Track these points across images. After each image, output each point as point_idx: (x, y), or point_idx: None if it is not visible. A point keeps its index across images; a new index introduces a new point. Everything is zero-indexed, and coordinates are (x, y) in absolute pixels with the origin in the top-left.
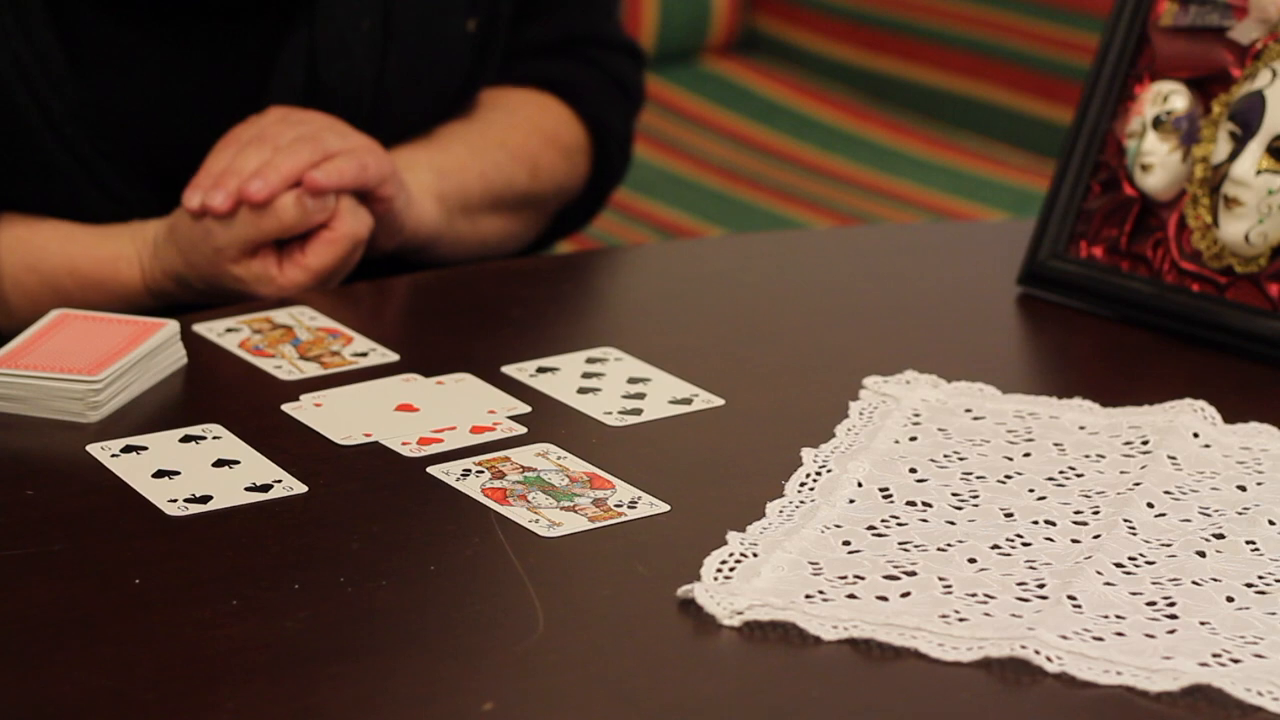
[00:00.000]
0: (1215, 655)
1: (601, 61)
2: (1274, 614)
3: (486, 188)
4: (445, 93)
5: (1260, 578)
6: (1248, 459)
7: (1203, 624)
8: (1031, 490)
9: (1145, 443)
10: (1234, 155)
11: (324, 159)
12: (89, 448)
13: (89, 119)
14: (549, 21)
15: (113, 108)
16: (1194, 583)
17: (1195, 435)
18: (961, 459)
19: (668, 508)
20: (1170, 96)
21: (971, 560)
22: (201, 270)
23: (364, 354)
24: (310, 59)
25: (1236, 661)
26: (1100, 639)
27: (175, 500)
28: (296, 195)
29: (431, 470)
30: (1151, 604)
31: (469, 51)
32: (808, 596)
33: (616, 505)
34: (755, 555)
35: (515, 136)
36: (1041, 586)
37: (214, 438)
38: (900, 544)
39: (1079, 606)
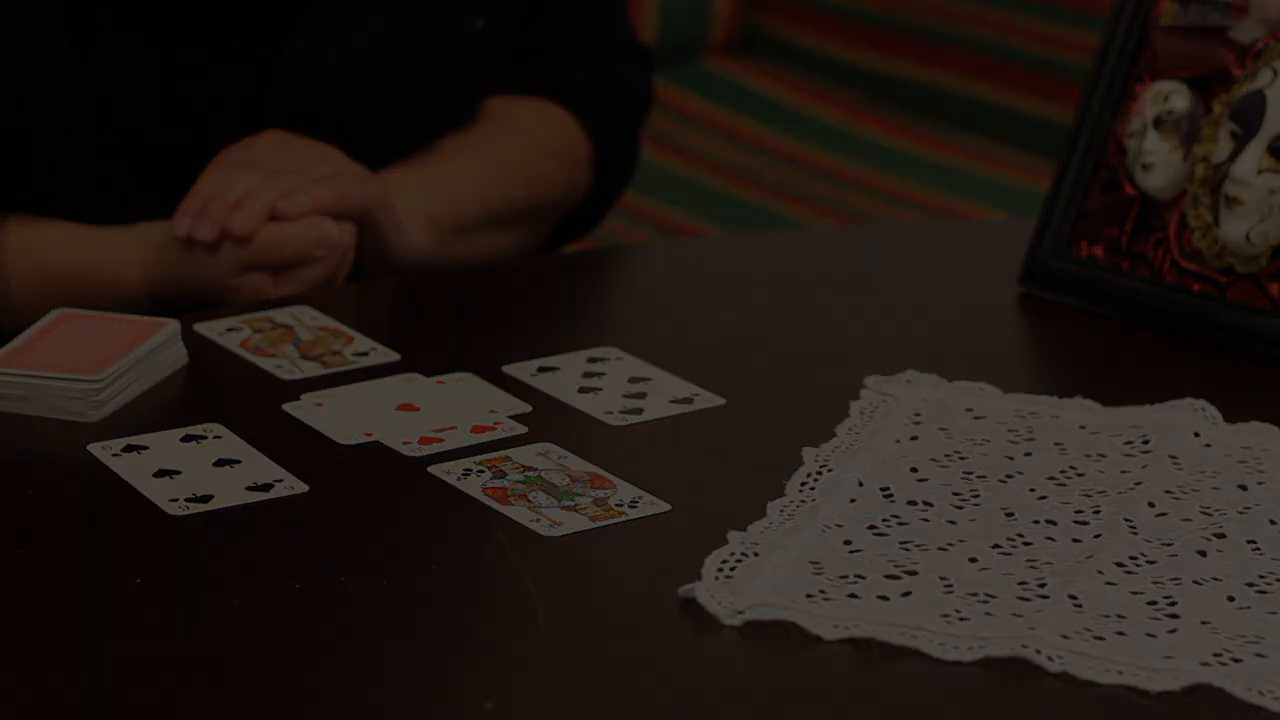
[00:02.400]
0: (1216, 655)
1: (608, 66)
2: (1275, 613)
3: (483, 207)
4: (453, 92)
5: (1261, 577)
6: (1248, 458)
7: (1204, 623)
8: (1032, 489)
9: (1146, 442)
10: (1235, 155)
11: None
12: (90, 447)
13: (94, 117)
14: (557, 24)
15: (118, 106)
16: (1195, 582)
17: (1196, 435)
18: (962, 458)
19: (668, 507)
20: (1171, 96)
21: (972, 559)
22: (201, 281)
23: (365, 353)
24: (317, 58)
25: (1238, 661)
26: (1101, 638)
27: (176, 500)
28: (301, 231)
29: (432, 470)
30: (1152, 603)
31: (477, 50)
32: (809, 596)
33: (617, 505)
34: (756, 555)
35: (513, 151)
36: (1042, 586)
37: (215, 437)
38: (901, 543)
39: (1080, 606)
